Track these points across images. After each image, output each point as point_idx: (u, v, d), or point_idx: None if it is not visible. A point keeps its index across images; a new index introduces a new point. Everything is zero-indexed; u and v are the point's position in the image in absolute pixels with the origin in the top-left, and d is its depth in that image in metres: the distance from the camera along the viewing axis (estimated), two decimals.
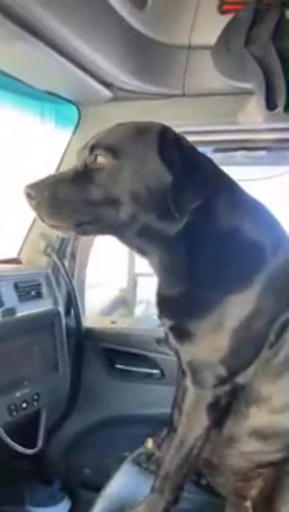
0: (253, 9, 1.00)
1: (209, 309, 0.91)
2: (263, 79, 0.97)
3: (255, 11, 1.00)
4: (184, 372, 1.00)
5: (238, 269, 0.93)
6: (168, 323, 0.99)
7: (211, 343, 0.92)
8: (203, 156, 0.95)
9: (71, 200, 0.88)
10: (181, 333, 0.95)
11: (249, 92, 1.06)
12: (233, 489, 1.04)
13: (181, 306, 0.96)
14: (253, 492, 1.00)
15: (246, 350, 0.93)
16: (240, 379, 0.95)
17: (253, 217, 0.96)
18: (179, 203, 0.86)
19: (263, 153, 1.56)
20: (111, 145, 0.89)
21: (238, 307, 0.91)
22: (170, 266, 0.96)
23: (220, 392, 0.94)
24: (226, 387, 0.94)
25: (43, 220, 0.91)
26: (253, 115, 1.06)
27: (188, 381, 0.97)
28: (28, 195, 0.89)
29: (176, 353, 1.01)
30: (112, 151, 0.88)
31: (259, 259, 0.93)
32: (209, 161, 0.96)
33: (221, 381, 0.93)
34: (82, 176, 0.90)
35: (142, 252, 0.98)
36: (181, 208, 0.86)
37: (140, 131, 0.91)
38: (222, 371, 0.93)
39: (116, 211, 0.89)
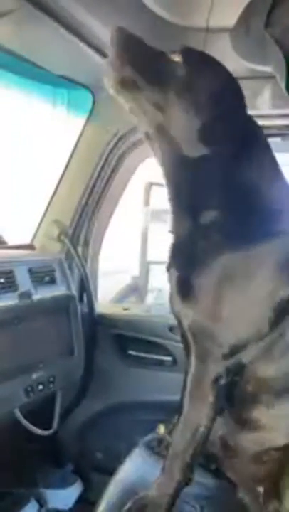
0: None
1: (212, 258, 0.92)
2: (284, 62, 0.95)
3: None
4: (188, 350, 1.00)
5: (249, 227, 0.92)
6: (174, 275, 0.98)
7: (211, 303, 0.92)
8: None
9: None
10: (184, 286, 0.95)
11: (269, 76, 1.03)
12: (246, 473, 1.04)
13: (188, 253, 0.96)
14: (266, 476, 1.00)
15: (245, 323, 0.92)
16: (244, 357, 0.94)
17: (281, 189, 0.96)
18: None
19: (277, 139, 1.53)
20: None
21: (241, 266, 0.91)
22: (186, 193, 0.96)
23: (221, 369, 0.93)
24: (228, 363, 0.93)
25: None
26: (272, 100, 1.04)
27: (191, 357, 0.96)
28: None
29: (179, 322, 1.00)
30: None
31: (274, 227, 0.92)
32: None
33: (223, 356, 0.92)
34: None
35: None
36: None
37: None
38: (222, 343, 0.92)
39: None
